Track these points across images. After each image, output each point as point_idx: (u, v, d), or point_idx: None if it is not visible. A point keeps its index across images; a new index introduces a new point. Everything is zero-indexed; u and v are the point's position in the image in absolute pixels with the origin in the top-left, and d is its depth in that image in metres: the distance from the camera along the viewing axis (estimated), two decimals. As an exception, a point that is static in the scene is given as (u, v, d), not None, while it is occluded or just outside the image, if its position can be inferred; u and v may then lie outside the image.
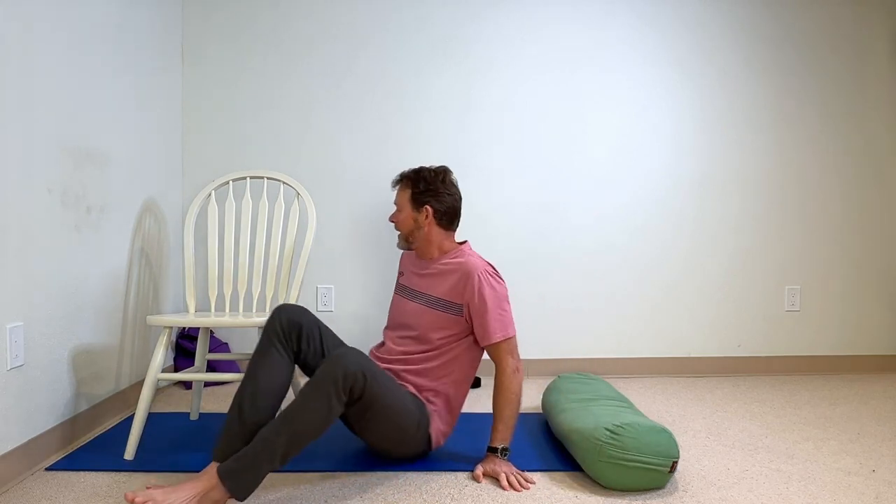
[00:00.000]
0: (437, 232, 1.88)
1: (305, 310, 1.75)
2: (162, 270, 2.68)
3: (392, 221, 1.94)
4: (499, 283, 1.81)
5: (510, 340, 1.79)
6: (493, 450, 1.76)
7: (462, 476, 1.74)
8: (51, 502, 1.56)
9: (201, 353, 2.20)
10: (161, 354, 1.88)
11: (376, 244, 2.96)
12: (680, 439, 2.07)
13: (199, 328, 2.36)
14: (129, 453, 1.84)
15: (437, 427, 1.80)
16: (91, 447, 1.95)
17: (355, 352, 1.57)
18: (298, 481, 1.70)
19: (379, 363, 1.83)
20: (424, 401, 1.78)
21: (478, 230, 2.97)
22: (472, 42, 2.98)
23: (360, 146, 2.95)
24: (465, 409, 2.44)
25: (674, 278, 3.05)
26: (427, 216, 1.86)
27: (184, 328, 2.81)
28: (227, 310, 2.29)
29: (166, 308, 2.74)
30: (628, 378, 2.98)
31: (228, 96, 2.92)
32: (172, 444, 1.97)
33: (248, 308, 2.90)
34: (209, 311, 2.68)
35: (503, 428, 1.76)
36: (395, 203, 1.94)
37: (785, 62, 3.07)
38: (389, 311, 1.98)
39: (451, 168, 2.95)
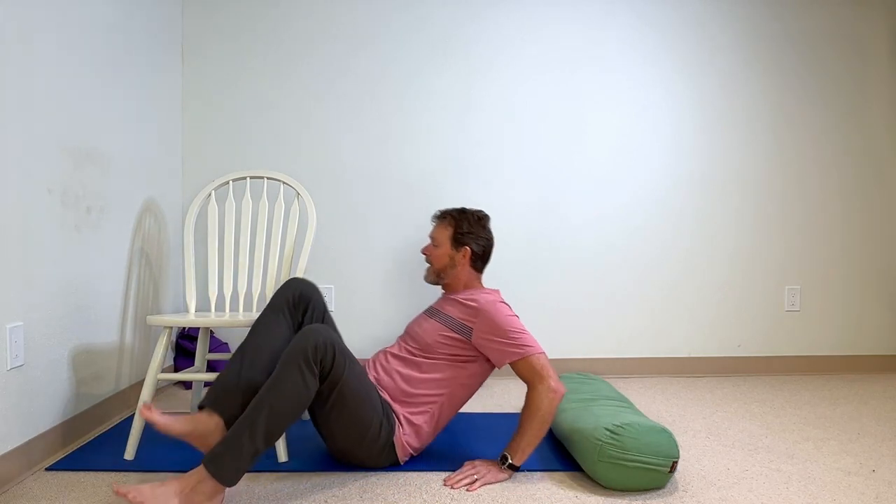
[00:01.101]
0: (468, 272, 1.97)
1: (317, 288, 1.81)
2: (162, 270, 2.68)
3: (425, 254, 2.01)
4: (511, 309, 1.84)
5: (537, 357, 1.73)
6: (501, 457, 1.73)
7: (462, 476, 1.74)
8: (51, 502, 1.56)
9: (201, 353, 2.20)
10: (161, 354, 1.88)
11: (376, 244, 2.96)
12: (680, 439, 2.07)
13: (199, 328, 2.36)
14: (129, 453, 1.84)
15: (408, 440, 1.77)
16: (91, 447, 1.95)
17: (324, 328, 1.59)
18: (298, 481, 1.70)
19: (379, 357, 1.89)
20: (404, 415, 1.77)
21: (478, 230, 2.97)
22: (472, 42, 2.98)
23: (360, 146, 2.95)
24: (467, 408, 2.44)
25: (674, 278, 3.04)
26: (465, 256, 1.95)
27: (184, 328, 2.81)
28: (227, 310, 2.29)
29: (166, 308, 2.74)
30: (628, 378, 2.98)
31: (228, 96, 2.92)
32: (172, 444, 1.97)
33: (248, 308, 2.90)
34: (209, 311, 2.68)
35: (517, 438, 1.71)
36: (431, 237, 2.01)
37: (785, 62, 3.07)
38: (408, 324, 2.03)
39: (451, 168, 2.97)
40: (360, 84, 2.95)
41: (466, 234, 1.94)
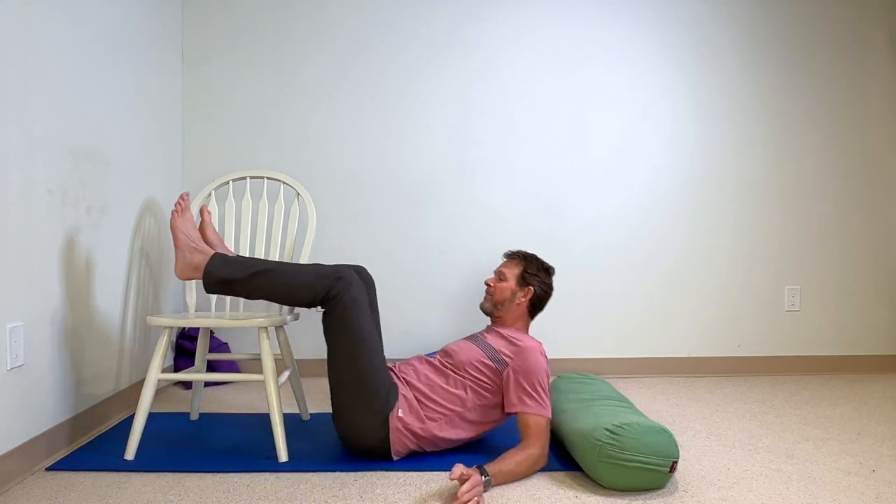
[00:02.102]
0: (523, 311, 2.07)
1: (374, 286, 2.04)
2: (162, 270, 2.68)
3: (488, 285, 2.11)
4: (545, 360, 1.88)
5: (546, 420, 1.77)
6: (481, 469, 1.65)
7: (462, 476, 1.74)
8: (51, 502, 1.56)
9: (201, 353, 2.20)
10: (161, 354, 1.88)
11: (376, 244, 2.96)
12: (680, 439, 2.07)
13: (199, 328, 2.36)
14: (130, 453, 1.84)
15: (406, 422, 1.80)
16: (91, 447, 1.95)
17: (359, 283, 1.81)
18: (298, 481, 1.70)
19: (413, 360, 2.00)
20: (420, 403, 1.85)
21: (478, 230, 2.97)
22: (473, 42, 2.98)
23: (360, 146, 2.95)
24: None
25: (674, 278, 3.04)
26: (526, 295, 2.06)
27: (184, 328, 2.81)
28: (228, 310, 2.29)
29: (166, 308, 2.74)
30: (628, 378, 2.98)
31: (228, 96, 2.92)
32: (172, 444, 1.97)
33: (248, 308, 2.90)
34: (209, 311, 2.67)
35: (500, 464, 1.68)
36: (497, 272, 2.11)
37: (784, 62, 3.07)
38: (447, 345, 2.11)
39: (452, 168, 2.97)
40: (360, 84, 2.95)
41: (533, 275, 2.07)
